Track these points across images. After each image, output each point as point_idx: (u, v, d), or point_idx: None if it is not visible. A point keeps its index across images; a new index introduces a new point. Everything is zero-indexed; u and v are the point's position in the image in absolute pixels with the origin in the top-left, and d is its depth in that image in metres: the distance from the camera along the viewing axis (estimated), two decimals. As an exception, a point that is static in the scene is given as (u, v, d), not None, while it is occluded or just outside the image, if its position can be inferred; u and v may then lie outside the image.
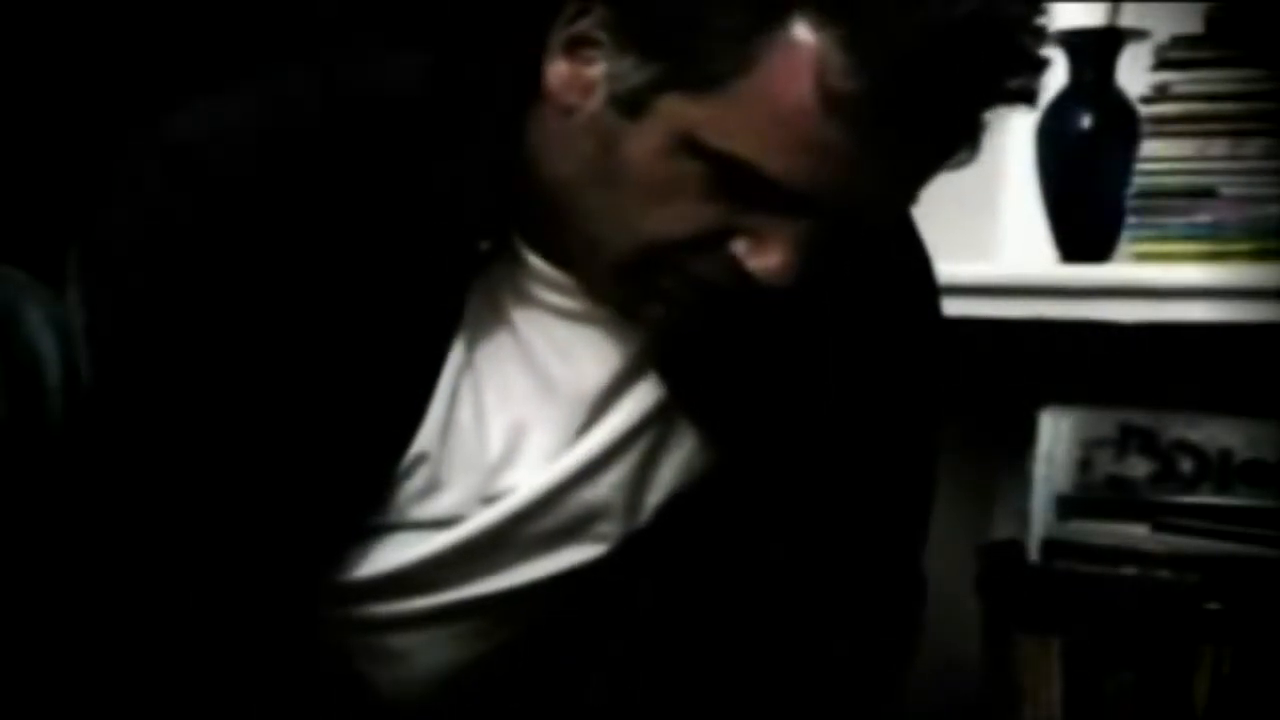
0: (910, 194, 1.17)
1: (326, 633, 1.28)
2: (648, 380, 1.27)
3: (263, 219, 1.17)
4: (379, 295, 1.19)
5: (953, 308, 1.39)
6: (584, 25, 1.16)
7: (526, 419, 1.25)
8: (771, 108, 1.10)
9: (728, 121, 1.11)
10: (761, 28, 1.09)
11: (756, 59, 1.09)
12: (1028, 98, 1.14)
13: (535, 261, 1.23)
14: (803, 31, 1.09)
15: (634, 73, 1.13)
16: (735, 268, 1.15)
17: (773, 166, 1.11)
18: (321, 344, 1.19)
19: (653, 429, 1.27)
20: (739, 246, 1.15)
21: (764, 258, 1.14)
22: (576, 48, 1.16)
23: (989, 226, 2.13)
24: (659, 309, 1.20)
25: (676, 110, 1.12)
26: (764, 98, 1.10)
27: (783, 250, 1.14)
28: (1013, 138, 2.02)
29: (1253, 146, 1.87)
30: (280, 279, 1.18)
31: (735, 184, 1.13)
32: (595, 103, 1.16)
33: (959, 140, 1.14)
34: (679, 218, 1.15)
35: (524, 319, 1.24)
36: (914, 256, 1.35)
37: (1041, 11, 1.15)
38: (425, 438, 1.23)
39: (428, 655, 1.31)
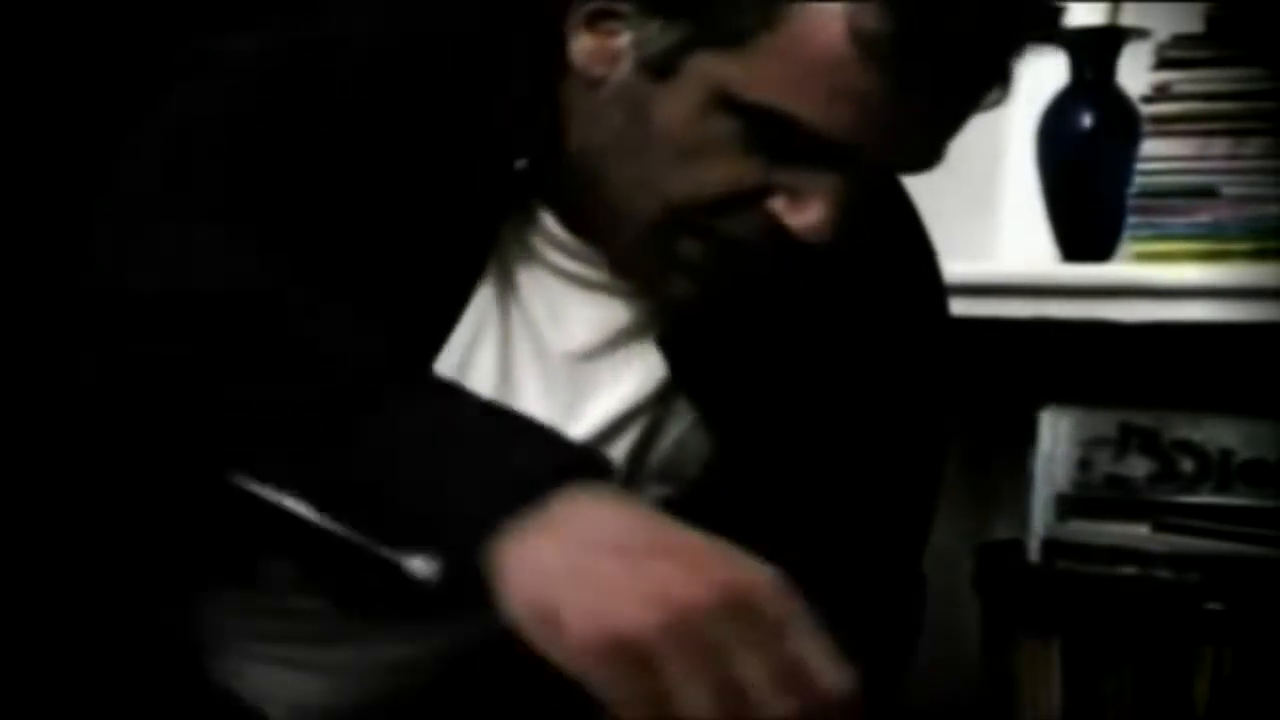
0: (945, 138, 1.15)
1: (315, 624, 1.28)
2: (644, 363, 1.26)
3: (308, 137, 1.15)
4: (412, 229, 1.18)
5: (953, 308, 1.38)
6: None
7: (517, 379, 1.24)
8: (805, 57, 1.09)
9: (762, 74, 1.10)
10: None
11: (784, 10, 1.09)
12: (1053, 32, 1.12)
13: (548, 221, 1.22)
14: None
15: (661, 35, 1.13)
16: (772, 225, 1.14)
17: (810, 115, 1.10)
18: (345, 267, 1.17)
19: (646, 415, 1.26)
20: (777, 203, 1.14)
21: (803, 214, 1.13)
22: (598, 20, 1.16)
23: (989, 226, 2.13)
24: (686, 283, 1.19)
25: (708, 68, 1.12)
26: (796, 48, 1.09)
27: (822, 205, 1.13)
28: (1013, 138, 2.02)
29: (1253, 146, 1.88)
30: (317, 199, 1.15)
31: (772, 138, 1.12)
32: (622, 72, 1.15)
33: (991, 78, 1.13)
34: (715, 176, 1.14)
35: (527, 278, 1.23)
36: (921, 253, 1.35)
37: None
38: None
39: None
